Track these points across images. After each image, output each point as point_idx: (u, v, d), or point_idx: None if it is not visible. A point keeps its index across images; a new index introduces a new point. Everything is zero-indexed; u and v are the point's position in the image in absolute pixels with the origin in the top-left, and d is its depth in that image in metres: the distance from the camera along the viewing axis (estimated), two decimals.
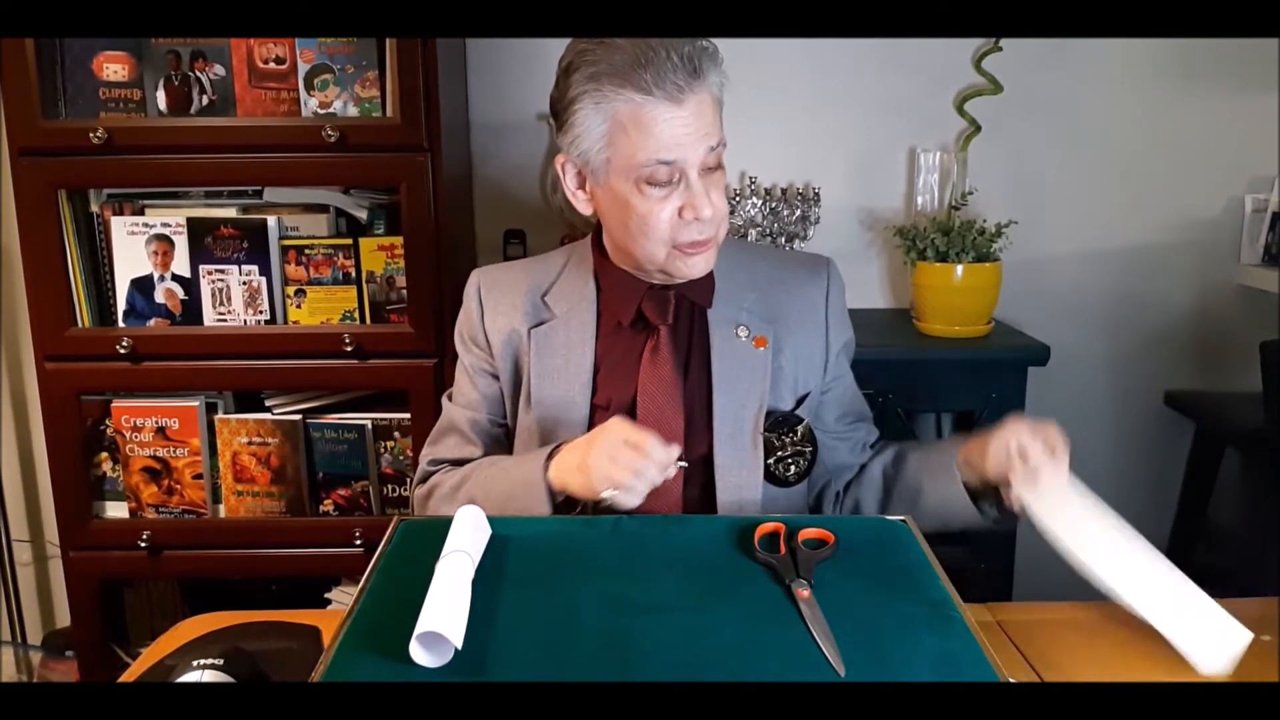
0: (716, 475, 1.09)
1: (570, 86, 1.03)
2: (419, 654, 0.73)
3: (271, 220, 1.63)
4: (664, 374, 1.10)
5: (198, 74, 1.59)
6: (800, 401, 1.15)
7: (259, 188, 1.66)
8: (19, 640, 2.07)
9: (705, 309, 1.13)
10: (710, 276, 1.14)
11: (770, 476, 1.11)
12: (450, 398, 1.23)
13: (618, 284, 1.14)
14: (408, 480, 1.72)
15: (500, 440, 1.20)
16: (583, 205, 1.12)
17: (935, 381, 1.83)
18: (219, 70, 1.59)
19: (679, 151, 1.01)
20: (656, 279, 1.12)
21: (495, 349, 1.16)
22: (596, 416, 1.11)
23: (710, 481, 1.10)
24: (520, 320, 1.15)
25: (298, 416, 1.70)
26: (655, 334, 1.12)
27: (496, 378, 1.18)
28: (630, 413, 1.10)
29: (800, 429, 1.12)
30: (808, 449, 1.12)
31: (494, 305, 1.17)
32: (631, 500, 0.96)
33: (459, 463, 1.18)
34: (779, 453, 1.11)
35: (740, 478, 1.09)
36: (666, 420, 1.09)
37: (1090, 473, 2.33)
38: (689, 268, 1.08)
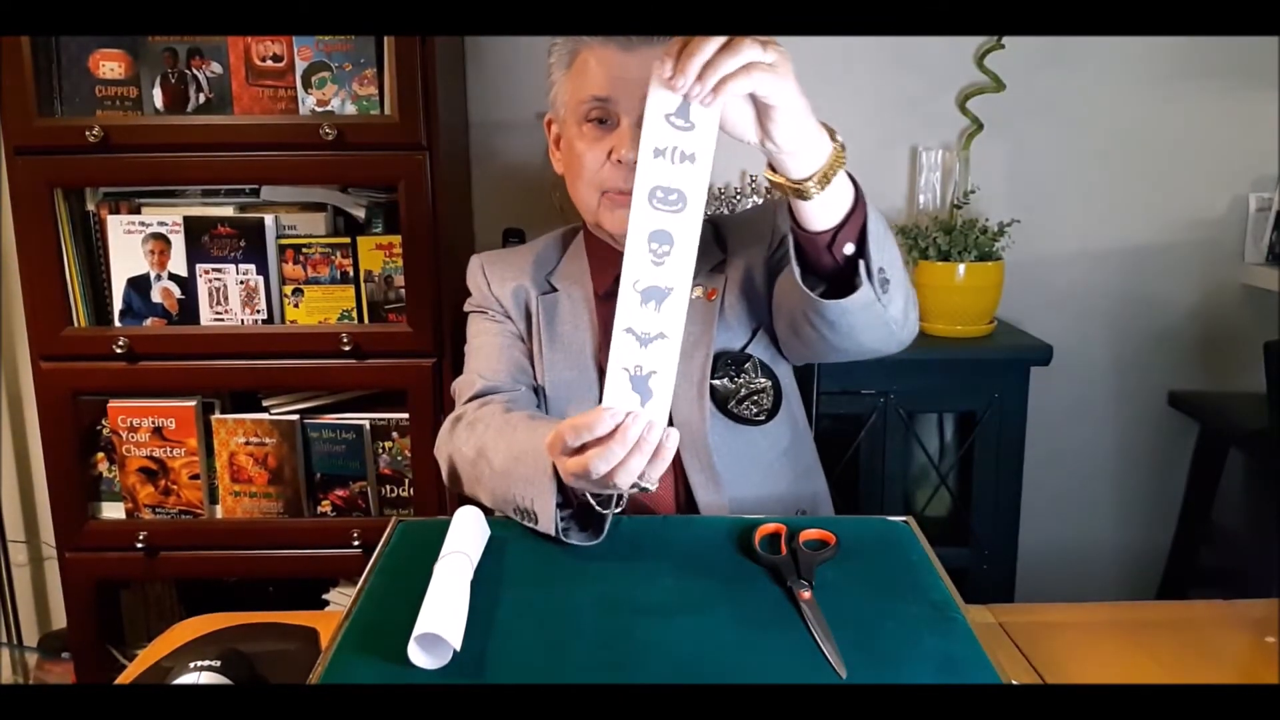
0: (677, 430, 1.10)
1: (552, 45, 1.13)
2: (417, 656, 0.72)
3: (269, 219, 1.62)
4: None
5: (194, 72, 1.59)
6: (755, 333, 1.16)
7: (256, 186, 1.65)
8: (15, 642, 2.07)
9: None
10: None
11: (741, 420, 1.13)
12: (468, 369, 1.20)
13: (599, 255, 1.18)
14: (406, 480, 1.72)
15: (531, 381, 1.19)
16: (556, 164, 1.18)
17: (937, 381, 1.83)
18: (216, 68, 1.59)
19: (615, 90, 1.05)
20: (604, 236, 1.15)
21: (509, 308, 1.20)
22: (600, 381, 1.13)
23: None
24: (529, 283, 1.20)
25: (295, 416, 1.69)
26: None
27: (521, 339, 1.20)
28: None
29: (749, 366, 1.13)
30: (765, 383, 1.13)
31: (500, 275, 1.22)
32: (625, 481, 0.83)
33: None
34: (736, 395, 1.12)
35: (692, 430, 1.10)
36: None
37: (1093, 473, 2.35)
38: (615, 221, 1.10)
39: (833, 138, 0.82)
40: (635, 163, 1.05)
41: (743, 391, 1.12)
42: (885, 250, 0.88)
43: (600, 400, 1.14)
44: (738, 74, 0.74)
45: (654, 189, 0.78)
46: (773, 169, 0.83)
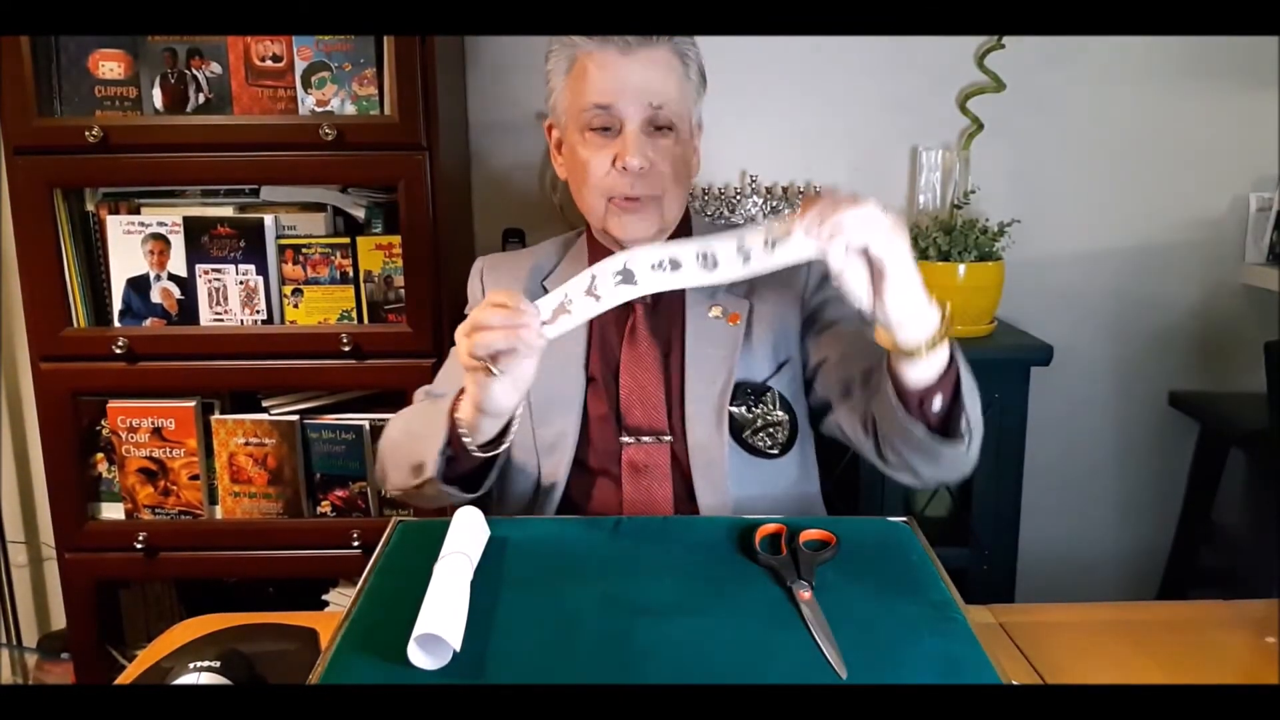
0: (690, 454, 1.10)
1: (549, 50, 1.13)
2: (417, 656, 0.72)
3: (268, 219, 1.62)
4: (642, 353, 1.12)
5: (194, 72, 1.59)
6: (780, 368, 1.15)
7: (256, 186, 1.65)
8: (14, 642, 2.07)
9: (683, 289, 1.14)
10: None
11: (754, 451, 1.12)
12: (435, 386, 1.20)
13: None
14: None
15: None
16: (559, 168, 1.18)
17: None
18: (215, 68, 1.59)
19: (616, 97, 1.06)
20: (609, 242, 1.15)
21: None
22: (590, 390, 1.14)
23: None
24: (523, 288, 1.19)
25: (295, 417, 1.69)
26: (633, 313, 1.14)
27: None
28: (615, 389, 1.12)
29: (768, 398, 1.12)
30: (784, 417, 1.12)
31: (496, 279, 1.22)
32: (516, 368, 0.89)
33: None
34: (753, 425, 1.11)
35: (709, 454, 1.10)
36: (648, 397, 1.11)
37: (1093, 473, 2.34)
38: (622, 227, 1.10)
39: (942, 316, 0.88)
40: (640, 170, 1.05)
41: (759, 422, 1.12)
42: (975, 406, 0.93)
43: (584, 412, 1.15)
44: (853, 228, 0.80)
45: (707, 250, 0.85)
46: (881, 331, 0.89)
